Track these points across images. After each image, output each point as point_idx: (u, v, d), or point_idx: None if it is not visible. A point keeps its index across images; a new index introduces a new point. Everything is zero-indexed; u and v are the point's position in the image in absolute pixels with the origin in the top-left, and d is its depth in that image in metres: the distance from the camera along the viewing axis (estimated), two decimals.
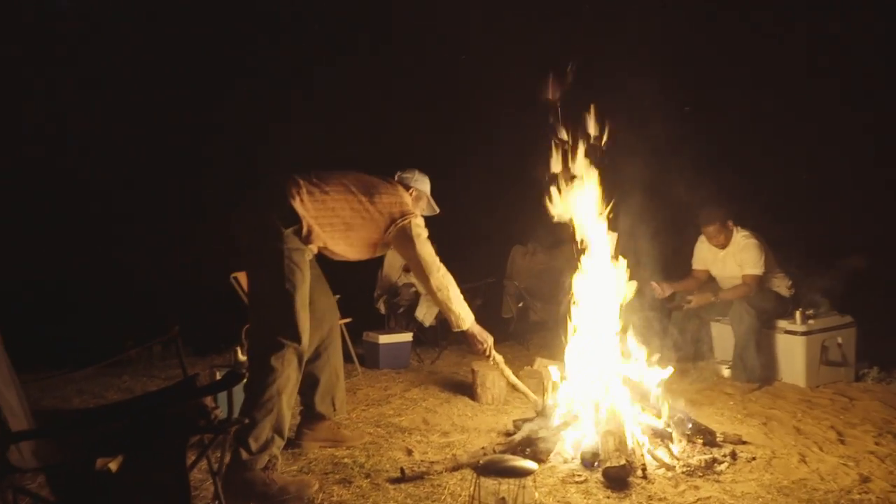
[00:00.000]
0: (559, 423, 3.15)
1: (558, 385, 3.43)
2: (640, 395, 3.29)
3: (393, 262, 5.96)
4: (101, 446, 1.92)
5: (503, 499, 2.27)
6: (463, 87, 7.64)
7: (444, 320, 5.72)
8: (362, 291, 5.86)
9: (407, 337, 5.24)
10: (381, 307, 5.83)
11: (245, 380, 2.12)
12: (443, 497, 2.67)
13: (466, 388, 4.35)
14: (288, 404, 2.72)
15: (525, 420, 3.41)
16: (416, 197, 3.19)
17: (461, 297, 3.15)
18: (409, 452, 3.21)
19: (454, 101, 7.97)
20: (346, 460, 3.07)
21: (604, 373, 3.31)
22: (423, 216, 3.15)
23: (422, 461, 3.05)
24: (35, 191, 7.39)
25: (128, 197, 7.63)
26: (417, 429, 3.60)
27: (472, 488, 2.48)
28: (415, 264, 3.04)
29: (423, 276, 3.02)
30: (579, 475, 2.87)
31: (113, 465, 2.03)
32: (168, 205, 7.78)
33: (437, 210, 3.30)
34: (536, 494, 2.62)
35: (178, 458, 1.93)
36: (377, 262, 5.93)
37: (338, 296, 4.82)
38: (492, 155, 7.67)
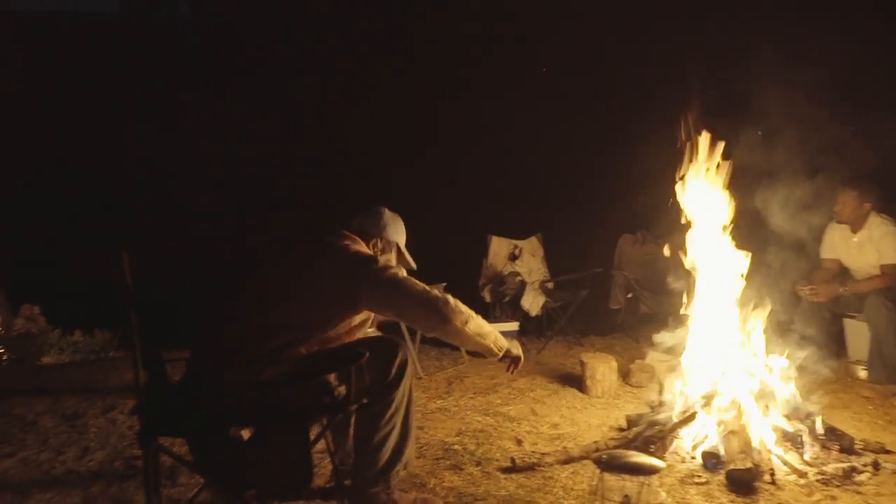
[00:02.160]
0: (677, 421, 3.00)
1: (675, 380, 3.26)
2: (766, 393, 3.06)
3: (498, 251, 5.92)
4: (235, 417, 2.02)
5: (627, 496, 2.18)
6: (573, 80, 7.54)
7: (551, 310, 5.71)
8: (467, 279, 5.84)
9: (513, 326, 5.18)
10: (486, 296, 5.80)
11: (365, 357, 2.13)
12: (555, 490, 2.61)
13: (575, 380, 4.25)
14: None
15: (639, 415, 3.27)
16: (385, 246, 2.54)
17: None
18: (519, 442, 3.17)
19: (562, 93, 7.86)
20: (456, 447, 3.07)
21: (726, 368, 3.11)
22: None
23: (532, 452, 3.00)
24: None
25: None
26: (526, 419, 3.55)
27: (594, 483, 2.40)
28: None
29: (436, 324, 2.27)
30: (699, 476, 2.72)
31: (245, 434, 2.14)
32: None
33: (413, 266, 2.59)
34: (664, 494, 2.50)
35: (302, 434, 2.00)
36: (481, 251, 5.92)
37: (443, 283, 4.92)
38: (603, 144, 7.50)
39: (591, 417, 3.58)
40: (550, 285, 5.87)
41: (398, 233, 2.57)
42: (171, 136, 8.35)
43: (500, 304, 5.75)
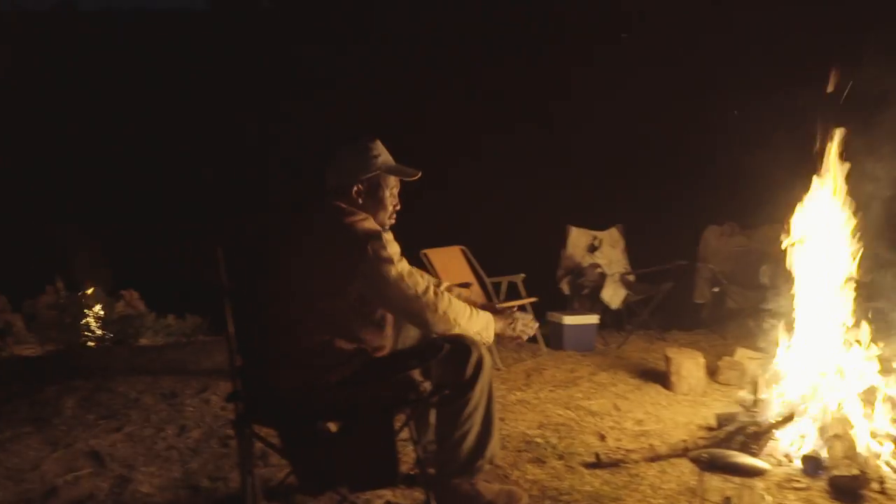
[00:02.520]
0: (773, 422, 2.85)
1: (770, 379, 3.10)
2: (873, 395, 2.86)
3: (577, 241, 5.82)
4: (323, 412, 2.06)
5: (728, 498, 2.09)
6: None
7: (632, 303, 5.57)
8: (546, 270, 5.79)
9: (592, 319, 5.09)
10: (565, 287, 5.72)
11: (445, 350, 2.13)
12: (641, 488, 2.54)
13: (658, 376, 4.12)
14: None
15: (730, 415, 3.13)
16: (369, 185, 2.20)
17: (467, 309, 2.21)
18: (602, 438, 3.10)
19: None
20: (538, 440, 3.04)
21: (827, 367, 2.93)
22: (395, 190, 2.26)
23: (616, 448, 2.93)
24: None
25: None
26: (609, 414, 3.47)
27: (694, 482, 2.32)
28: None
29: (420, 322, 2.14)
30: (798, 481, 2.57)
31: (332, 426, 2.18)
32: None
33: (415, 173, 2.25)
34: (769, 498, 2.38)
35: (389, 428, 2.02)
36: (560, 242, 5.84)
37: (522, 274, 4.92)
38: (688, 133, 7.27)
39: (678, 415, 3.46)
40: (631, 278, 5.74)
41: (371, 159, 2.19)
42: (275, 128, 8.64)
43: (579, 297, 5.66)
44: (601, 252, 5.82)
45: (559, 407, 3.58)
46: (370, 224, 2.12)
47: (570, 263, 5.76)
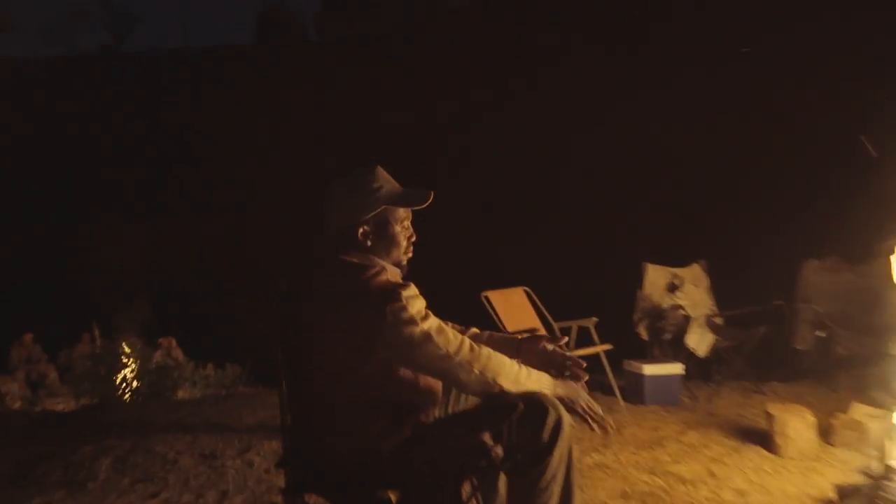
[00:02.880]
0: None
1: None
2: None
3: (655, 280, 5.68)
4: (384, 477, 1.98)
5: None
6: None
7: (721, 350, 5.36)
8: (621, 313, 5.68)
9: (676, 368, 4.91)
10: (643, 332, 5.58)
11: (519, 411, 2.00)
12: None
13: (759, 436, 3.88)
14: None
15: (853, 486, 2.89)
16: (376, 224, 2.04)
17: (513, 367, 2.01)
18: None
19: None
20: None
21: None
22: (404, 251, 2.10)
23: None
24: None
25: None
26: (703, 482, 3.27)
27: None
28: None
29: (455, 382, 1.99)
30: None
31: (393, 496, 2.10)
32: None
33: (425, 198, 2.06)
34: None
35: (454, 498, 1.93)
36: (636, 281, 5.71)
37: (594, 318, 4.79)
38: (775, 157, 7.13)
39: (787, 484, 3.23)
40: (719, 321, 5.57)
41: (372, 193, 2.01)
42: None
43: (659, 343, 5.51)
44: (683, 292, 5.68)
45: (644, 472, 3.40)
46: (385, 279, 1.97)
47: (648, 305, 5.61)
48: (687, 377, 5.11)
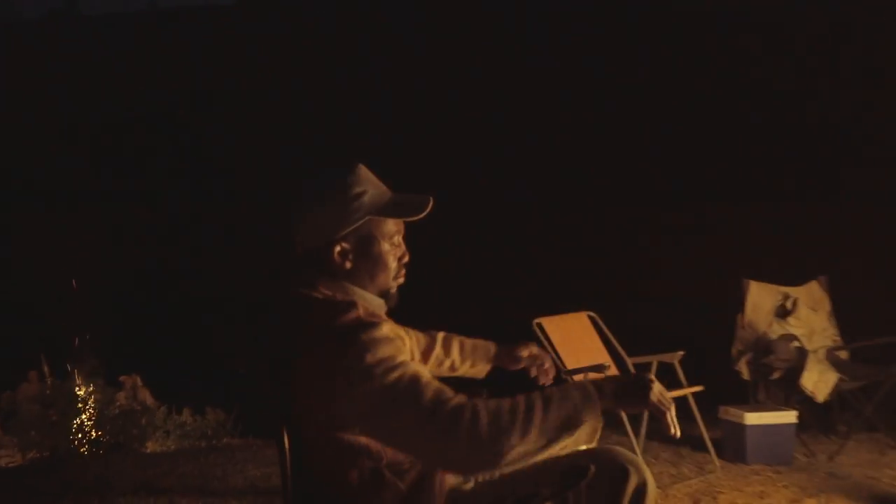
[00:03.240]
0: None
1: None
2: None
3: (761, 303, 5.68)
4: None
5: None
6: None
7: (846, 392, 5.33)
8: (716, 345, 5.71)
9: (788, 417, 4.92)
10: (743, 370, 5.57)
11: (591, 474, 2.03)
12: None
13: None
14: None
15: None
16: (358, 240, 1.97)
17: (536, 415, 1.74)
18: None
19: None
20: None
21: None
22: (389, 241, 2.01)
23: None
24: None
25: None
26: None
27: None
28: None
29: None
30: None
31: None
32: None
33: (421, 207, 2.00)
34: None
35: None
36: (735, 306, 5.71)
37: (680, 352, 4.82)
38: None
39: None
40: (844, 355, 5.59)
41: (351, 200, 1.93)
42: None
43: (766, 384, 5.53)
44: (797, 317, 5.67)
45: None
46: (353, 317, 1.86)
47: (750, 335, 5.61)
48: (802, 428, 5.11)
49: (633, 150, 9.16)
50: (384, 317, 1.95)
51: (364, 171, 2.00)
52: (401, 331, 1.95)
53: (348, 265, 1.96)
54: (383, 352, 1.78)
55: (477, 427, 1.70)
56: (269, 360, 2.04)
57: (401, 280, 2.06)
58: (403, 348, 1.85)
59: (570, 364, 4.62)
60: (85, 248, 9.96)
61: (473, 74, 10.87)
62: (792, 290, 5.78)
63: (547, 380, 2.49)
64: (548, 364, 2.51)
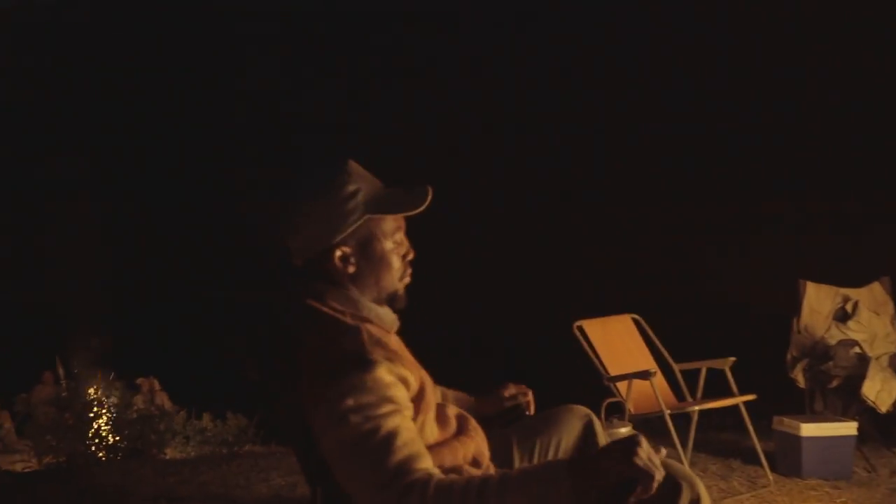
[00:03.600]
0: None
1: None
2: None
3: (818, 306, 5.67)
4: None
5: None
6: None
7: None
8: (770, 350, 5.71)
9: (847, 428, 4.89)
10: (799, 378, 5.56)
11: (636, 492, 2.00)
12: None
13: None
14: None
15: None
16: (358, 242, 1.97)
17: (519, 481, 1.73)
18: None
19: None
20: None
21: None
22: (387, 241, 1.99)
23: None
24: None
25: None
26: None
27: None
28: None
29: None
30: None
31: None
32: None
33: (420, 199, 1.98)
34: None
35: None
36: (791, 309, 5.69)
37: (731, 358, 4.81)
38: None
39: None
40: None
41: (345, 201, 1.92)
42: None
43: (823, 392, 5.49)
44: (858, 321, 5.64)
45: None
46: (353, 347, 1.86)
47: (807, 340, 5.60)
48: (862, 440, 5.08)
49: (678, 145, 9.16)
50: (390, 342, 1.93)
51: (355, 167, 1.98)
52: (402, 367, 1.86)
53: (351, 269, 1.96)
54: (368, 398, 1.77)
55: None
56: (280, 370, 2.06)
57: (407, 280, 2.05)
58: (395, 394, 1.80)
59: (613, 370, 4.64)
60: (101, 247, 10.14)
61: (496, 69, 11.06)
62: (852, 292, 5.76)
63: (530, 411, 2.47)
64: (529, 397, 2.48)
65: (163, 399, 7.14)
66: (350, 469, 1.77)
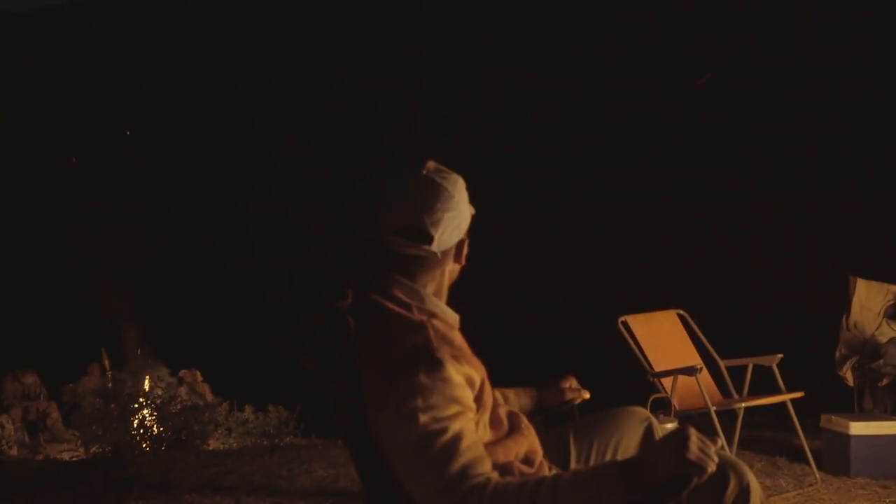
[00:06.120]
0: None
1: None
2: None
3: (868, 303, 5.61)
4: None
5: None
6: None
7: None
8: (818, 347, 5.68)
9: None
10: (848, 377, 5.51)
11: (692, 484, 1.98)
12: None
13: None
14: None
15: None
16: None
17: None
18: None
19: None
20: None
21: None
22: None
23: None
24: None
25: None
26: None
27: None
28: None
29: None
30: None
31: None
32: None
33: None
34: None
35: None
36: (839, 302, 5.63)
37: (778, 355, 4.77)
38: None
39: None
40: None
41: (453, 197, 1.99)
42: None
43: (873, 390, 5.44)
44: None
45: None
46: (419, 345, 1.90)
47: (856, 337, 5.55)
48: None
49: (723, 142, 9.14)
50: (455, 339, 1.96)
51: (461, 185, 2.04)
52: (467, 366, 1.89)
53: (430, 264, 2.00)
54: (436, 399, 1.79)
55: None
56: (339, 362, 2.09)
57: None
58: (462, 395, 1.83)
59: (659, 366, 4.62)
60: (144, 243, 10.33)
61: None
62: None
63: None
64: (584, 395, 2.51)
65: (205, 391, 7.29)
66: (413, 467, 1.78)
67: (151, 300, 8.46)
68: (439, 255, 1.99)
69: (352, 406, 2.02)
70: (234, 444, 6.46)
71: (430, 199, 1.98)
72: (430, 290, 2.01)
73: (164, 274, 10.35)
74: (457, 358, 1.86)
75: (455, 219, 2.00)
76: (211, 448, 6.27)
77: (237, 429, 6.73)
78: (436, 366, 1.81)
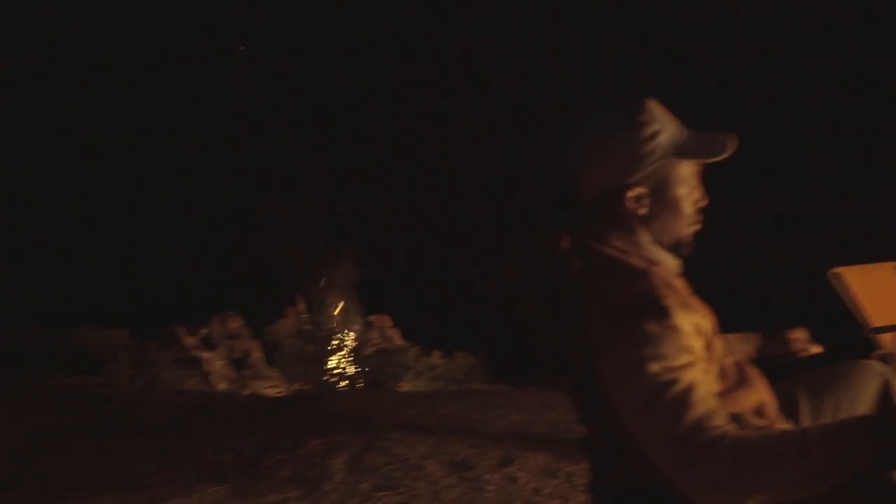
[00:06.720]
0: None
1: None
2: None
3: None
4: None
5: None
6: None
7: None
8: None
9: None
10: None
11: None
12: None
13: None
14: None
15: None
16: (653, 185, 1.91)
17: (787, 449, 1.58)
18: None
19: None
20: None
21: None
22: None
23: None
24: None
25: None
26: None
27: None
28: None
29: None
30: None
31: None
32: None
33: (726, 145, 1.92)
34: None
35: None
36: None
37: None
38: None
39: None
40: None
41: (644, 142, 1.87)
42: None
43: None
44: None
45: None
46: (645, 288, 1.83)
47: None
48: None
49: None
50: (679, 285, 1.89)
51: (657, 107, 1.93)
52: (695, 314, 1.81)
53: (642, 211, 1.92)
54: (665, 348, 1.71)
55: (722, 474, 1.59)
56: (564, 310, 2.04)
57: (697, 227, 1.98)
58: (692, 344, 1.75)
59: (877, 321, 4.35)
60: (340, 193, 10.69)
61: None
62: None
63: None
64: (812, 350, 2.41)
65: (394, 335, 7.48)
66: (644, 419, 1.71)
67: (348, 247, 8.74)
68: (643, 210, 1.90)
69: (580, 350, 2.00)
70: (425, 388, 6.61)
71: (636, 162, 1.88)
72: (645, 239, 1.93)
73: (360, 223, 10.65)
74: (685, 305, 1.78)
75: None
76: (404, 390, 6.45)
77: (426, 373, 6.88)
78: (663, 313, 1.73)
